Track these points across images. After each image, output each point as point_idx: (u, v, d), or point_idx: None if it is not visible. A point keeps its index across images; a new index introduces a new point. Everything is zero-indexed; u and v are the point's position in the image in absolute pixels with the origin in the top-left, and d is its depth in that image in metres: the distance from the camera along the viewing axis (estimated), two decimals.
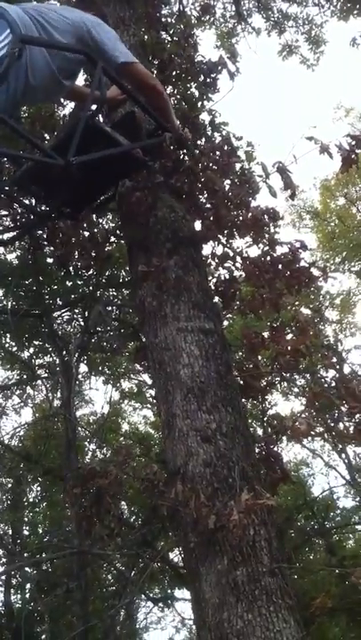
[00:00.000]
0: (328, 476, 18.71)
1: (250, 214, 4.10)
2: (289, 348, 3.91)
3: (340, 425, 3.71)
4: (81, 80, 5.08)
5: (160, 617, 13.94)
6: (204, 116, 4.60)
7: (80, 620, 9.41)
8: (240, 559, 2.73)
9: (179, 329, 3.48)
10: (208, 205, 4.15)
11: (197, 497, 2.86)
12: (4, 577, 11.96)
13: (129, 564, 10.62)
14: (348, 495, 14.95)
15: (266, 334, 4.24)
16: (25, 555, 12.24)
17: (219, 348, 3.47)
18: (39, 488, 13.35)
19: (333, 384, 3.79)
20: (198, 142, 4.35)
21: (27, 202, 4.45)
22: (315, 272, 4.19)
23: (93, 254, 4.88)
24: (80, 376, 12.11)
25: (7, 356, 11.52)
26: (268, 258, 4.17)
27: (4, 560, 12.52)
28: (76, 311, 10.97)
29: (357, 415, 3.48)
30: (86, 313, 10.33)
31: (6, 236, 7.09)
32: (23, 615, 10.25)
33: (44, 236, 5.59)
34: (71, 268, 8.07)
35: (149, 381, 10.84)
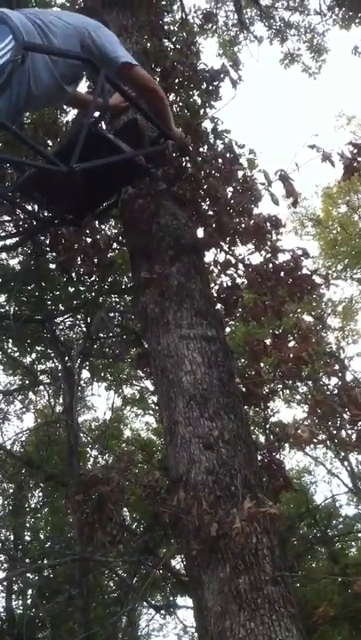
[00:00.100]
0: (330, 484, 18.74)
1: (252, 222, 4.10)
2: (291, 355, 3.91)
3: (343, 432, 3.71)
4: (84, 87, 5.11)
5: (162, 624, 13.87)
6: (207, 124, 4.61)
7: (81, 626, 9.38)
8: (242, 567, 2.73)
9: (181, 336, 3.48)
10: (210, 213, 4.16)
11: (200, 504, 2.85)
12: (5, 583, 11.93)
13: (131, 570, 10.59)
14: (351, 503, 14.94)
15: (268, 341, 4.24)
16: (26, 561, 12.19)
17: (221, 356, 3.47)
18: (41, 494, 13.33)
19: (336, 391, 3.79)
20: (201, 150, 4.35)
21: (29, 208, 4.46)
22: (317, 279, 4.19)
23: (96, 260, 4.88)
24: (82, 382, 12.10)
25: (9, 361, 11.52)
26: (271, 265, 4.17)
27: (5, 566, 12.50)
28: (79, 317, 10.97)
29: (360, 423, 3.47)
30: (89, 319, 10.33)
31: (9, 241, 7.13)
32: (24, 621, 10.21)
33: (47, 242, 5.60)
34: (74, 274, 8.09)
35: (152, 388, 10.84)
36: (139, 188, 4.01)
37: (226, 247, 4.21)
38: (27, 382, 12.34)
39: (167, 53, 4.89)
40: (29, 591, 12.28)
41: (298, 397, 13.21)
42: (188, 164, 4.15)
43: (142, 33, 5.02)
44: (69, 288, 9.93)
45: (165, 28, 5.66)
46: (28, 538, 13.41)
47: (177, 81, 4.74)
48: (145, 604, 11.94)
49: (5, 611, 12.13)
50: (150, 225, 3.91)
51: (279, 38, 12.14)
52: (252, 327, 6.13)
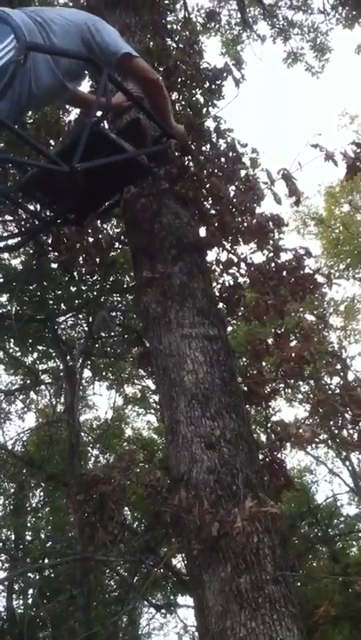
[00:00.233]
0: (332, 484, 18.66)
1: (254, 221, 4.10)
2: (293, 354, 3.91)
3: (344, 432, 3.71)
4: (86, 87, 5.11)
5: (163, 623, 13.85)
6: (210, 123, 4.61)
7: (82, 626, 9.38)
8: (243, 567, 2.73)
9: (183, 335, 3.48)
10: (213, 212, 4.16)
11: (201, 504, 2.85)
12: (6, 582, 11.92)
13: (132, 570, 10.60)
14: (352, 502, 14.94)
15: (270, 341, 4.24)
16: (27, 560, 12.19)
17: (223, 355, 3.47)
18: (42, 493, 13.33)
19: (337, 391, 3.79)
20: (203, 149, 4.35)
21: (31, 208, 4.46)
22: (319, 279, 4.19)
23: (98, 260, 4.88)
24: (84, 381, 12.11)
25: (11, 360, 11.52)
26: (273, 264, 4.17)
27: (6, 565, 12.50)
28: (80, 316, 10.97)
29: None
30: (90, 318, 10.33)
31: (11, 241, 7.12)
32: (25, 621, 10.23)
33: (49, 242, 5.59)
34: (75, 274, 8.09)
35: (153, 387, 10.85)
36: (141, 187, 4.01)
37: (228, 246, 4.21)
38: (28, 382, 12.35)
39: (170, 52, 4.89)
40: (30, 591, 12.28)
41: (299, 397, 13.20)
42: (191, 164, 4.15)
43: (145, 32, 5.02)
44: (71, 287, 9.92)
45: (168, 26, 5.67)
46: (29, 537, 13.42)
47: (180, 80, 4.74)
48: (146, 603, 11.94)
49: (6, 610, 12.12)
50: (152, 224, 3.91)
51: (282, 37, 12.12)
52: (254, 326, 6.12)
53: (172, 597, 12.65)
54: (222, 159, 4.31)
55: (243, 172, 4.27)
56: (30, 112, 5.44)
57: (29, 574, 11.66)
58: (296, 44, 12.28)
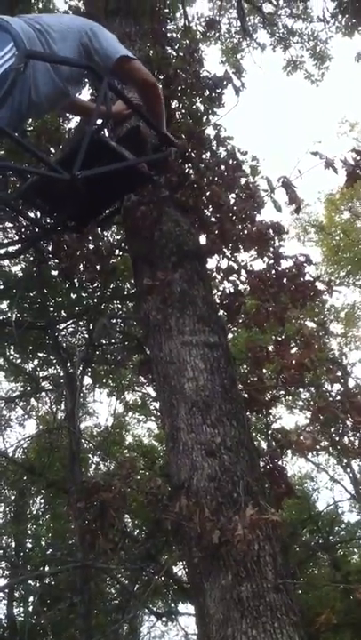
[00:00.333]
0: (333, 491, 18.70)
1: (255, 228, 4.11)
2: (294, 361, 3.90)
3: (345, 439, 3.70)
4: (86, 94, 5.13)
5: (164, 631, 13.79)
6: (210, 131, 4.62)
7: (83, 634, 9.35)
8: (244, 574, 2.72)
9: (183, 342, 3.48)
10: (213, 219, 4.16)
11: (202, 511, 2.85)
12: (7, 590, 11.89)
13: (133, 577, 10.56)
14: (353, 510, 14.87)
15: (270, 348, 4.24)
16: (28, 568, 12.15)
17: (223, 362, 3.48)
18: (43, 501, 13.30)
19: (338, 398, 3.78)
20: (203, 156, 4.36)
21: (32, 215, 4.47)
22: (319, 286, 4.19)
23: (98, 267, 4.88)
24: (84, 388, 12.09)
25: (11, 367, 11.52)
26: (273, 271, 4.17)
27: (6, 573, 12.46)
28: (81, 323, 10.97)
29: None
30: (91, 325, 10.33)
31: (11, 248, 7.13)
32: (26, 629, 10.19)
33: (49, 249, 5.60)
34: (76, 281, 8.09)
35: (154, 394, 10.85)
36: (141, 195, 4.02)
37: (228, 254, 4.22)
38: (29, 389, 12.34)
39: (170, 61, 4.90)
40: (31, 598, 12.23)
41: (300, 404, 13.19)
42: (191, 171, 4.16)
43: (145, 40, 5.04)
44: (72, 295, 9.93)
45: (168, 35, 5.68)
46: (29, 545, 13.37)
47: (180, 88, 4.75)
48: (147, 611, 11.89)
49: (7, 618, 12.07)
50: (153, 232, 3.92)
51: (282, 45, 12.14)
52: (254, 333, 6.13)
53: (173, 605, 12.60)
54: (222, 167, 4.32)
55: (243, 180, 4.28)
56: (31, 120, 5.45)
57: (30, 582, 11.62)
58: (296, 52, 12.31)
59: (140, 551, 9.18)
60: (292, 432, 3.68)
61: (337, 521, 14.09)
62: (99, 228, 4.63)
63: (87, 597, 9.53)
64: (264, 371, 4.37)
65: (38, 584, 11.70)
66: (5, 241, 7.36)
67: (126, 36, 4.83)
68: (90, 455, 12.68)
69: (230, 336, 6.97)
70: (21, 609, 12.53)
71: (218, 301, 4.14)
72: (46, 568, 11.27)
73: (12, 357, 11.17)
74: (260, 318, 4.19)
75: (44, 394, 12.55)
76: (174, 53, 5.22)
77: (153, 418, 13.64)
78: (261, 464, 3.63)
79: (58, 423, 11.94)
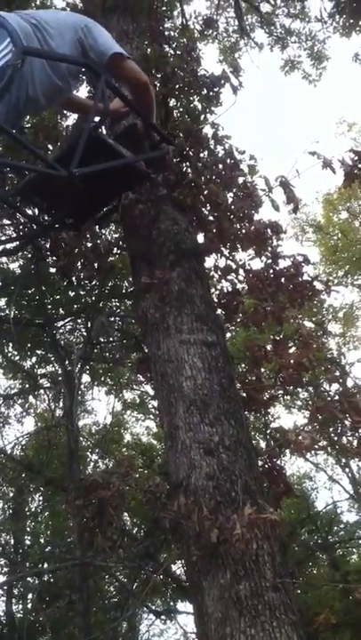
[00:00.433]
0: (332, 490, 18.73)
1: (253, 227, 4.10)
2: (292, 361, 3.90)
3: (344, 439, 3.70)
4: (84, 92, 5.11)
5: (162, 630, 13.82)
6: (207, 130, 4.61)
7: (82, 631, 9.36)
8: (243, 573, 2.72)
9: (181, 341, 3.48)
10: (211, 218, 4.16)
11: (200, 510, 2.85)
12: (5, 587, 11.90)
13: (131, 576, 10.57)
14: (352, 509, 14.91)
15: (269, 347, 4.23)
16: (27, 565, 12.18)
17: (221, 361, 3.47)
18: (41, 498, 13.31)
19: (336, 398, 3.77)
20: (201, 155, 4.35)
21: (30, 212, 4.46)
22: (317, 285, 4.19)
23: (96, 265, 4.88)
24: (82, 386, 12.10)
25: (9, 365, 11.52)
26: (271, 271, 4.17)
27: (5, 570, 12.48)
28: (79, 321, 10.97)
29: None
30: (89, 323, 10.33)
31: (9, 245, 7.12)
32: (25, 626, 10.20)
33: (47, 247, 5.59)
34: (74, 279, 8.06)
35: (152, 392, 10.83)
36: (139, 193, 4.01)
37: (226, 253, 4.21)
38: (27, 386, 12.34)
39: (168, 59, 4.88)
40: (30, 596, 12.25)
41: (298, 403, 13.21)
42: (189, 170, 4.15)
43: (143, 39, 5.03)
44: (70, 292, 9.93)
45: (166, 33, 5.66)
46: (28, 542, 13.39)
47: (177, 87, 4.74)
48: (145, 609, 11.91)
49: (6, 615, 12.10)
50: (151, 230, 3.91)
51: (280, 45, 12.14)
52: (252, 333, 6.12)
53: (171, 604, 12.63)
54: (220, 166, 4.31)
55: (241, 179, 4.27)
56: (28, 117, 5.45)
57: (29, 579, 11.64)
58: (293, 52, 12.33)
59: (138, 549, 9.18)
60: (290, 431, 3.68)
61: (336, 521, 14.11)
62: (96, 226, 4.61)
63: (86, 595, 9.54)
64: (262, 370, 4.36)
65: (37, 581, 11.72)
66: (3, 238, 7.37)
67: (124, 34, 4.82)
68: (88, 453, 12.70)
69: (228, 335, 6.97)
70: (20, 606, 12.56)
71: (216, 300, 4.13)
72: (45, 565, 11.30)
73: (10, 355, 11.17)
74: (258, 317, 4.18)
75: (42, 391, 12.57)
76: (172, 52, 5.20)
77: (151, 416, 13.66)
78: (260, 463, 3.63)
79: (56, 421, 11.95)
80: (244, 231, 4.13)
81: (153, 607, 12.37)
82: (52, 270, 9.15)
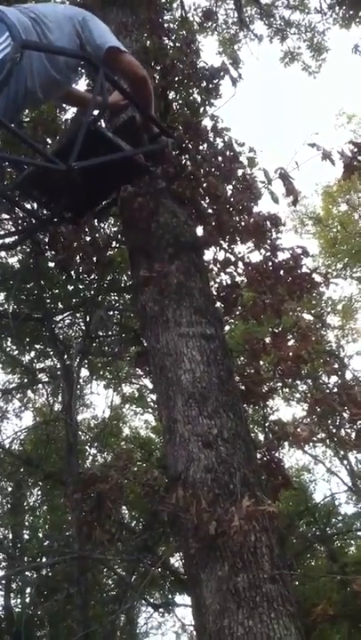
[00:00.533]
0: (330, 483, 18.85)
1: (252, 220, 4.09)
2: (291, 353, 3.90)
3: (342, 431, 3.71)
4: (83, 85, 5.10)
5: (160, 622, 13.90)
6: (207, 122, 4.59)
7: (80, 624, 9.39)
8: (241, 565, 2.72)
9: (180, 334, 3.48)
10: (210, 211, 4.15)
11: (198, 503, 2.85)
12: (4, 581, 11.95)
13: (129, 569, 10.61)
14: (350, 501, 14.97)
15: (267, 340, 4.23)
16: (25, 559, 12.22)
17: (220, 354, 3.47)
18: (40, 492, 13.35)
19: (335, 390, 3.78)
20: (200, 148, 4.34)
21: (28, 206, 4.45)
22: (317, 278, 4.18)
23: (95, 259, 4.87)
24: (81, 380, 12.11)
25: (8, 359, 11.53)
26: (270, 264, 4.16)
27: (4, 564, 12.52)
28: (78, 315, 10.98)
29: (359, 421, 3.47)
30: (88, 317, 10.34)
31: (8, 240, 7.12)
32: (23, 619, 10.26)
33: (46, 241, 5.59)
34: (73, 273, 8.07)
35: (151, 386, 10.86)
36: (138, 186, 4.00)
37: (225, 245, 4.21)
38: (25, 380, 12.36)
39: (167, 51, 4.87)
40: (28, 589, 12.31)
41: (297, 396, 13.23)
42: (188, 163, 4.14)
43: (142, 31, 5.01)
44: (68, 286, 9.94)
45: (165, 25, 5.64)
46: (26, 536, 13.43)
47: (177, 79, 4.73)
48: (144, 602, 11.97)
49: (4, 609, 12.15)
50: (150, 223, 3.90)
51: (279, 37, 12.11)
52: (251, 325, 6.13)
53: (169, 596, 12.68)
54: (220, 158, 4.30)
55: (240, 172, 4.26)
56: (27, 110, 5.43)
57: (27, 573, 11.68)
58: (293, 44, 12.29)
59: (136, 542, 9.21)
60: (289, 424, 3.68)
61: (334, 513, 14.17)
62: (95, 220, 4.61)
63: (84, 588, 9.58)
64: (261, 363, 4.36)
65: (35, 575, 11.76)
66: (2, 232, 7.35)
67: (123, 27, 4.80)
68: (87, 447, 12.72)
69: (227, 328, 6.98)
70: (19, 600, 12.61)
71: (215, 293, 4.13)
72: (43, 559, 11.33)
73: (8, 349, 11.18)
74: (257, 310, 4.18)
75: (40, 386, 12.59)
76: (171, 44, 5.19)
77: (150, 410, 13.67)
78: (258, 456, 3.63)
79: (55, 415, 11.97)
80: (243, 224, 4.12)
81: (151, 600, 12.42)
82: (51, 264, 9.16)
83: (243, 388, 3.91)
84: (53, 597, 11.00)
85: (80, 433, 11.95)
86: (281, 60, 12.39)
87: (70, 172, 3.14)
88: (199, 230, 4.13)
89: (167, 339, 3.51)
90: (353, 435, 3.59)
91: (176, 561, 11.20)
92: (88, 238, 4.67)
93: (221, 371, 3.39)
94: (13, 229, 6.85)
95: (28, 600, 12.31)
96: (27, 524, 13.37)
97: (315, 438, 3.50)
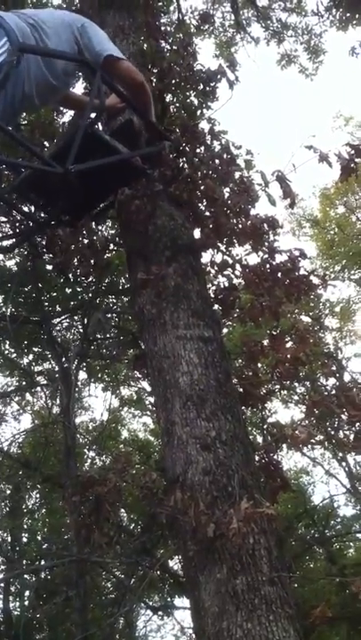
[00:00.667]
0: (328, 485, 18.75)
1: (249, 222, 4.10)
2: (289, 356, 3.91)
3: (341, 433, 3.71)
4: (80, 88, 5.11)
5: (159, 625, 13.87)
6: (204, 125, 4.60)
7: (79, 628, 9.37)
8: (239, 568, 2.72)
9: (178, 336, 3.48)
10: (207, 213, 4.16)
11: (197, 505, 2.85)
12: (2, 584, 11.92)
13: (128, 571, 10.59)
14: (349, 503, 14.95)
15: (265, 342, 4.24)
16: (24, 562, 12.20)
17: (218, 356, 3.47)
18: (38, 495, 13.32)
19: (333, 392, 3.79)
20: (198, 150, 4.35)
21: (26, 209, 4.45)
22: (314, 280, 4.20)
23: (93, 262, 4.88)
24: (79, 383, 12.11)
25: (6, 362, 11.52)
26: (268, 266, 4.17)
27: (2, 567, 12.49)
28: (76, 318, 10.98)
29: (357, 423, 3.48)
30: (86, 320, 10.34)
31: (6, 243, 7.12)
32: (22, 623, 10.23)
33: (44, 244, 5.60)
34: (70, 275, 8.08)
35: (149, 388, 10.84)
36: (135, 189, 4.01)
37: (223, 248, 4.21)
38: (24, 383, 12.34)
39: (164, 54, 4.88)
40: (27, 592, 12.28)
41: (295, 398, 13.21)
42: (185, 165, 4.15)
43: (139, 34, 5.02)
44: (66, 289, 9.93)
45: (162, 28, 5.65)
46: (25, 539, 13.39)
47: (174, 82, 4.73)
48: (142, 604, 11.95)
49: (3, 612, 12.11)
50: (147, 226, 3.91)
51: (276, 39, 12.14)
52: (249, 328, 6.13)
53: (168, 599, 12.64)
54: (217, 161, 4.31)
55: (237, 174, 4.27)
56: (24, 114, 5.44)
57: (26, 576, 11.67)
58: (290, 46, 12.32)
59: (135, 545, 9.20)
60: (287, 426, 3.69)
61: (333, 515, 14.15)
62: (93, 223, 4.61)
63: (83, 591, 9.56)
64: (259, 365, 4.37)
65: (34, 578, 11.75)
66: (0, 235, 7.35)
67: (120, 30, 4.80)
68: (85, 450, 12.71)
69: (225, 330, 6.98)
70: (17, 603, 12.57)
71: (212, 296, 4.14)
72: (42, 562, 11.31)
73: (6, 352, 11.17)
74: (254, 312, 4.19)
75: (38, 388, 12.57)
76: (168, 47, 5.20)
77: (148, 412, 13.65)
78: (257, 458, 3.64)
79: (53, 418, 11.95)
80: (240, 226, 4.13)
81: (150, 603, 12.39)
82: (49, 267, 9.16)
83: (241, 390, 3.91)
84: (52, 600, 10.97)
85: (78, 436, 11.93)
86: (278, 62, 12.43)
87: (67, 175, 3.14)
88: (196, 233, 4.14)
89: (165, 341, 3.51)
90: (351, 437, 3.60)
91: (175, 563, 11.19)
92: (86, 241, 4.68)
93: (219, 373, 3.40)
94: (11, 232, 6.86)
95: (26, 603, 12.28)
96: (25, 526, 13.33)
97: (313, 440, 3.50)
